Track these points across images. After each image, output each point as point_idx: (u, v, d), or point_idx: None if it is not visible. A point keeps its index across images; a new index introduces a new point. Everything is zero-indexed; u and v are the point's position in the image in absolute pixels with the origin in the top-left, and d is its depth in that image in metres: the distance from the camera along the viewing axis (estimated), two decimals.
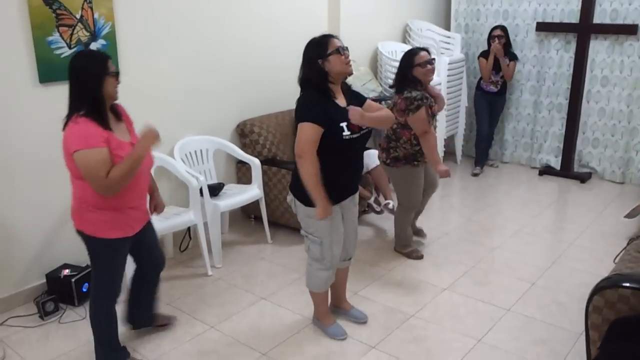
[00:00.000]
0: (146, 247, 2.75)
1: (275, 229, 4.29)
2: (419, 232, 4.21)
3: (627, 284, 2.38)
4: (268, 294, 3.45)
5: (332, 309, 3.16)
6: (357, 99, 2.82)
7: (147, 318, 3.00)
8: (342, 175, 2.73)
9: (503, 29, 5.47)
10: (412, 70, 3.54)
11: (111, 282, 2.59)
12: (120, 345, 2.73)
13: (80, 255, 3.50)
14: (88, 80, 2.34)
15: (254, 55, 4.44)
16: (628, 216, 4.39)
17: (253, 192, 4.02)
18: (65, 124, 2.35)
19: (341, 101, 2.70)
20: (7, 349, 2.90)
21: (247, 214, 4.58)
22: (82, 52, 2.46)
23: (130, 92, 3.59)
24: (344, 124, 2.60)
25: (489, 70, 5.57)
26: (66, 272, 3.31)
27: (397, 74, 3.64)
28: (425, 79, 3.58)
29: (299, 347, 2.92)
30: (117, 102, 2.51)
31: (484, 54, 5.63)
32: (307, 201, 2.69)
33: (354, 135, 2.64)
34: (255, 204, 4.10)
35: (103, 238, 2.46)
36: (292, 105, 4.70)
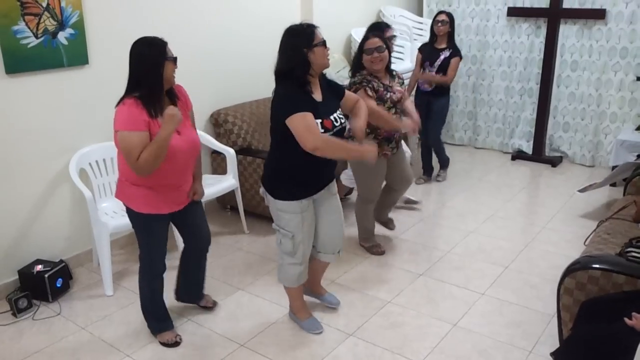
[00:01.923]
0: (190, 226, 2.88)
1: (252, 219, 4.28)
2: (387, 223, 4.08)
3: (597, 266, 2.45)
4: (245, 285, 3.45)
5: (305, 291, 3.11)
6: (335, 91, 2.76)
7: (193, 295, 3.16)
8: (313, 170, 2.68)
9: (449, 15, 4.85)
10: (361, 55, 3.41)
11: (150, 257, 2.76)
12: (165, 315, 2.91)
13: (53, 250, 3.46)
14: (148, 67, 2.45)
15: (226, 43, 4.38)
16: (581, 190, 4.56)
17: (228, 182, 3.99)
18: (118, 103, 2.49)
19: (317, 95, 2.64)
20: None
21: (223, 205, 4.55)
22: (143, 38, 2.51)
23: (101, 82, 3.54)
24: (318, 121, 2.54)
25: (419, 67, 4.89)
26: (39, 267, 3.25)
27: (353, 58, 3.54)
28: (370, 68, 3.37)
29: (277, 337, 2.93)
30: (177, 84, 2.65)
31: (423, 46, 4.99)
32: (278, 194, 2.67)
33: (327, 133, 2.58)
34: (231, 195, 4.07)
35: (138, 212, 2.63)
36: (267, 93, 4.65)
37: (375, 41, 3.37)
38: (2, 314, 3.14)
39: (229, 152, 4.02)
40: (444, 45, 4.82)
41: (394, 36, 3.98)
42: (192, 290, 3.15)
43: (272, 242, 3.97)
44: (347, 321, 3.05)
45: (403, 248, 3.92)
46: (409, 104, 3.58)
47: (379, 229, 3.99)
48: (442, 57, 4.76)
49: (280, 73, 2.61)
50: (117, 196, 2.71)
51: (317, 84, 2.66)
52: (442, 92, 4.91)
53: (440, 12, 4.89)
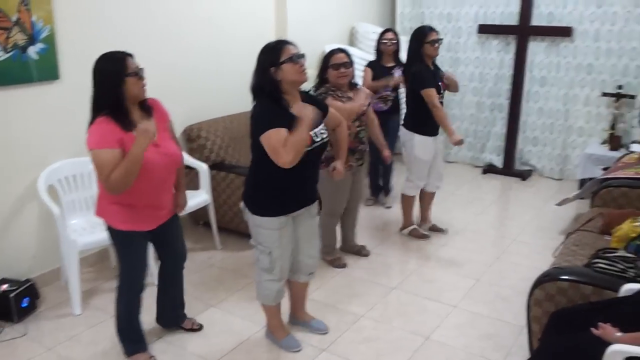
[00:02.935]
0: (167, 242, 2.84)
1: (225, 234, 4.24)
2: (360, 250, 4.02)
3: (565, 277, 2.49)
4: (218, 301, 3.41)
5: (290, 319, 3.11)
6: (317, 107, 2.69)
7: (172, 318, 3.08)
8: (293, 186, 2.64)
9: (396, 33, 4.78)
10: (326, 71, 3.48)
11: (129, 275, 2.68)
12: (140, 337, 2.81)
13: (19, 268, 3.38)
14: (107, 82, 2.39)
15: (200, 58, 4.37)
16: (559, 204, 4.64)
17: (201, 197, 3.96)
18: (90, 122, 2.44)
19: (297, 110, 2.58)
20: None
21: (196, 220, 4.51)
22: (104, 54, 2.46)
23: (71, 97, 3.50)
24: None
25: (369, 84, 4.59)
26: (4, 287, 3.15)
27: (319, 72, 3.57)
28: (336, 82, 3.45)
29: (249, 354, 2.89)
30: (151, 97, 2.59)
31: (371, 63, 4.79)
32: (257, 210, 2.65)
33: (308, 148, 2.54)
34: (203, 210, 4.04)
35: (117, 229, 2.57)
36: (240, 109, 4.66)
37: (342, 56, 3.44)
38: None
39: (202, 167, 4.00)
40: (392, 64, 4.72)
41: (440, 39, 3.98)
42: (173, 310, 3.06)
43: (245, 258, 3.95)
44: (321, 337, 3.03)
45: (376, 262, 3.93)
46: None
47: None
48: (395, 74, 4.62)
49: (254, 90, 2.60)
50: (96, 213, 2.64)
51: (297, 99, 2.63)
52: (397, 110, 4.83)
53: (387, 30, 4.79)
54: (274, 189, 2.62)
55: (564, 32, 5.41)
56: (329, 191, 3.61)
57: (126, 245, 2.64)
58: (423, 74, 3.88)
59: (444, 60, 6.11)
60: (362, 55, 5.46)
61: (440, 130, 4.07)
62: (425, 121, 3.97)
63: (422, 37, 3.89)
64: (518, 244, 4.23)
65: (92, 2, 3.58)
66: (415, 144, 4.03)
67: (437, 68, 4.09)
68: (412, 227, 4.33)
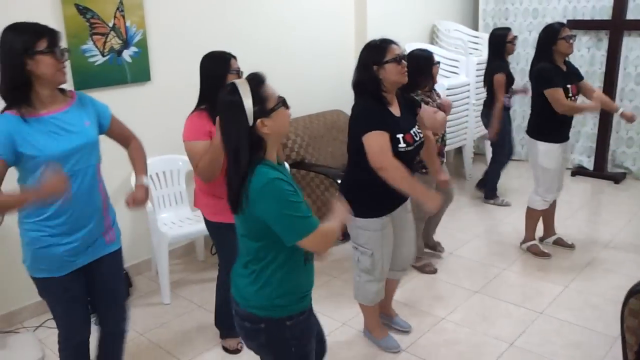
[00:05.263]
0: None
1: None
2: (435, 247, 3.99)
3: None
4: None
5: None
6: (411, 107, 2.69)
7: None
8: (392, 186, 2.52)
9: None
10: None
11: (229, 263, 2.67)
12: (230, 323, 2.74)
13: None
14: (212, 80, 2.55)
15: (280, 59, 4.45)
16: None
17: None
18: (190, 115, 2.60)
19: (395, 110, 2.57)
20: (45, 349, 2.99)
21: None
22: (210, 53, 2.65)
23: (161, 98, 3.68)
24: (400, 136, 2.49)
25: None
26: None
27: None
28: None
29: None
30: None
31: (501, 67, 4.62)
32: (358, 212, 2.56)
33: (409, 148, 2.52)
34: None
35: (210, 221, 2.72)
36: (319, 109, 4.71)
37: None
38: None
39: (283, 166, 4.07)
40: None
41: (574, 35, 3.66)
42: None
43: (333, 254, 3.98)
44: (400, 336, 3.01)
45: (458, 265, 3.85)
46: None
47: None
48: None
49: (355, 87, 2.60)
50: (195, 205, 2.81)
51: (395, 99, 2.61)
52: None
53: (509, 29, 4.72)
54: (374, 189, 2.55)
55: None
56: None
57: (220, 235, 2.75)
58: (550, 72, 3.53)
59: (529, 58, 5.87)
60: (443, 54, 5.36)
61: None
62: (550, 126, 3.63)
63: (555, 33, 3.52)
64: (610, 250, 4.00)
65: (178, 8, 3.75)
66: (539, 152, 3.69)
67: (571, 67, 3.71)
68: (531, 243, 3.99)
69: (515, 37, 4.67)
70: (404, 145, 2.49)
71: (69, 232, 2.06)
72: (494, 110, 4.57)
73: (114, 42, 3.42)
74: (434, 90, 3.59)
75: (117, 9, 3.39)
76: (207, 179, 2.54)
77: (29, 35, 1.91)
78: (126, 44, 3.49)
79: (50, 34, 1.96)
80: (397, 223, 2.77)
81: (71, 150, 2.01)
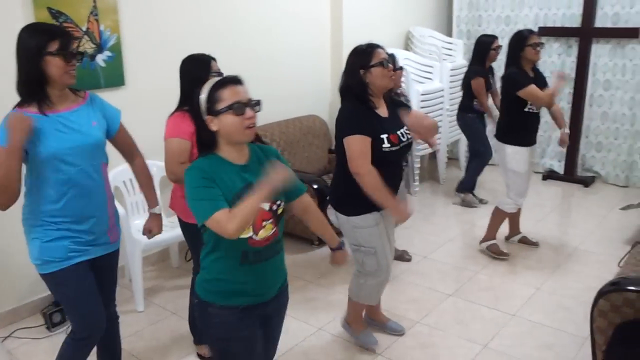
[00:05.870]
0: None
1: (291, 240, 4.27)
2: (401, 256, 3.97)
3: (633, 288, 2.38)
4: None
5: (367, 321, 3.10)
6: (399, 109, 2.71)
7: None
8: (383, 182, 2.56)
9: None
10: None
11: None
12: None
13: None
14: (193, 83, 2.46)
15: (257, 65, 4.44)
16: (623, 208, 4.50)
17: None
18: (170, 115, 2.60)
19: (382, 111, 2.61)
20: None
21: None
22: (190, 55, 2.65)
23: (136, 102, 3.64)
24: (384, 136, 2.52)
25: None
26: None
27: None
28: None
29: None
30: None
31: (480, 71, 4.78)
32: (353, 210, 2.60)
33: (394, 148, 2.55)
34: None
35: (185, 222, 2.70)
36: (295, 114, 4.72)
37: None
38: (36, 327, 3.21)
39: None
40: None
41: (542, 43, 3.79)
42: None
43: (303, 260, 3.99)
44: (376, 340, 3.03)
45: (432, 269, 3.89)
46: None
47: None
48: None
49: (342, 91, 2.64)
50: (170, 206, 2.78)
51: (382, 101, 2.64)
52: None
53: (495, 37, 4.91)
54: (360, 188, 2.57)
55: (631, 33, 5.19)
56: None
57: (195, 238, 2.68)
58: (517, 75, 3.62)
59: (501, 64, 5.98)
60: (418, 60, 5.41)
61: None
62: (517, 130, 3.72)
63: (523, 40, 3.62)
64: (580, 252, 4.09)
65: (154, 13, 3.72)
66: (507, 155, 3.77)
67: (538, 73, 3.79)
68: (491, 242, 4.03)
69: (499, 46, 4.79)
70: (389, 145, 2.53)
71: (74, 227, 2.14)
72: (481, 107, 4.79)
73: (88, 46, 3.38)
74: (399, 92, 3.63)
75: (91, 12, 3.35)
76: (182, 181, 2.47)
77: (43, 36, 1.99)
78: (100, 49, 3.45)
79: (62, 37, 2.02)
80: (386, 220, 2.79)
81: (73, 148, 2.07)
